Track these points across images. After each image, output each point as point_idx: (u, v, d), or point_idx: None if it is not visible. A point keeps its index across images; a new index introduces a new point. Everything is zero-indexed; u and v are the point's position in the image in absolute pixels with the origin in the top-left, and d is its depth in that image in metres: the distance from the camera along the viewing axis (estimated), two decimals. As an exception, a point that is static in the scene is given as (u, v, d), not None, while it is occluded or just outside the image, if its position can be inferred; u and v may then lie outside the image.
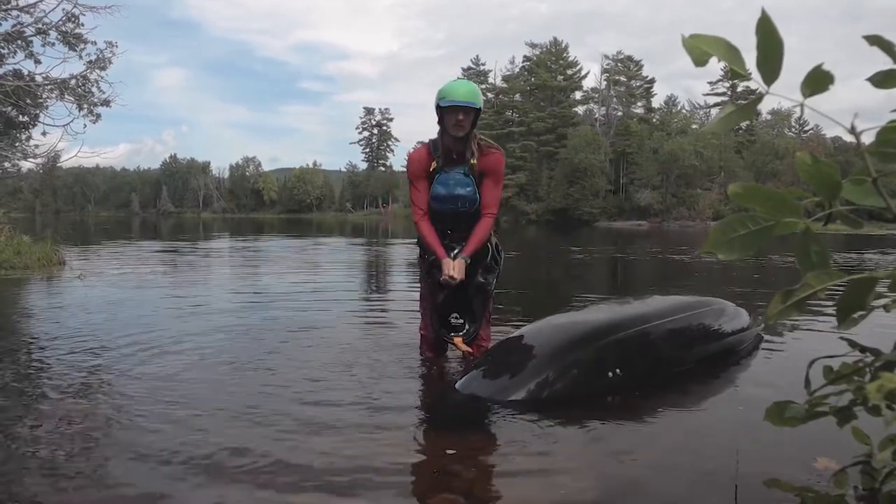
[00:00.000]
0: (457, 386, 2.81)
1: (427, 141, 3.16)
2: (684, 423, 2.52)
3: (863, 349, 1.09)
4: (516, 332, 3.17)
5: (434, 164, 3.05)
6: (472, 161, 3.02)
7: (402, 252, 13.50)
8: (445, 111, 2.95)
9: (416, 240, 3.27)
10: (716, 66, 0.89)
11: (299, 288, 6.78)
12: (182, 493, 1.79)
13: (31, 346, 3.85)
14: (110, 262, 9.97)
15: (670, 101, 65.15)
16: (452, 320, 3.14)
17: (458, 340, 3.11)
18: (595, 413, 2.53)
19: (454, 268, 2.94)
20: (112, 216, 74.56)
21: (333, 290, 6.71)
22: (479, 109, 2.98)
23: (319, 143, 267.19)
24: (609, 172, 56.02)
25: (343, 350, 3.65)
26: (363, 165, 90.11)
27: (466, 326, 3.13)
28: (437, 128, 3.07)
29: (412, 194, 3.16)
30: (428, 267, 3.14)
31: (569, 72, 63.42)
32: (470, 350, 3.12)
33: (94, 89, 11.55)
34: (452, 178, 3.03)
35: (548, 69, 62.15)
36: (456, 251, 3.04)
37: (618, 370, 2.78)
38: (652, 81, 63.49)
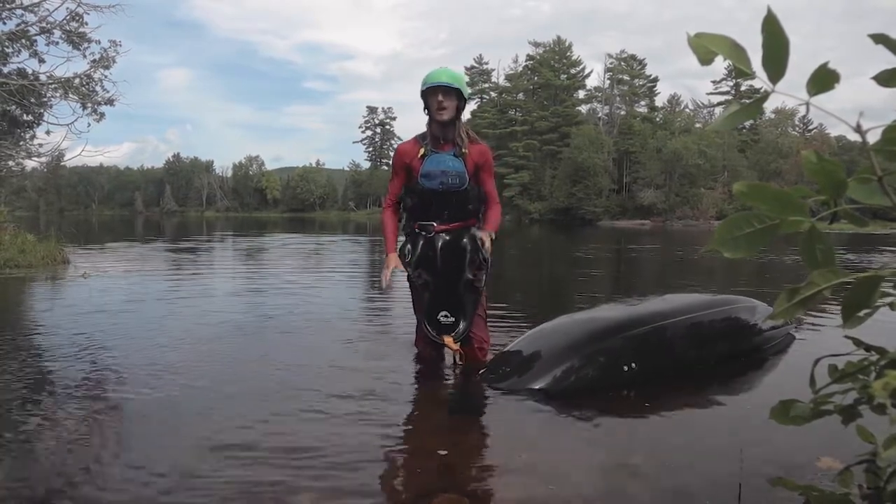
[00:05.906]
0: (480, 378, 2.87)
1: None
2: (689, 422, 2.51)
3: (868, 347, 1.08)
4: (549, 324, 3.22)
5: (422, 151, 3.06)
6: (463, 150, 3.03)
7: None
8: (428, 95, 2.99)
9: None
10: (719, 66, 0.89)
11: (300, 285, 6.78)
12: (182, 490, 1.80)
13: (32, 344, 3.87)
14: (114, 261, 9.99)
15: (673, 100, 65.14)
16: (442, 319, 3.08)
17: (448, 340, 3.05)
18: (598, 411, 2.53)
19: (393, 264, 3.08)
20: (116, 215, 74.71)
21: (333, 288, 6.72)
22: (460, 91, 2.99)
23: (322, 143, 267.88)
24: (612, 171, 55.95)
25: (340, 347, 3.65)
26: (366, 164, 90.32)
27: (458, 326, 3.07)
28: None
29: (389, 184, 3.23)
30: (414, 267, 3.10)
31: (572, 71, 63.38)
32: (460, 350, 3.07)
33: (97, 88, 11.56)
34: (442, 157, 3.04)
35: (551, 68, 62.12)
36: (445, 236, 3.05)
37: (633, 364, 2.84)
38: (655, 80, 63.43)
